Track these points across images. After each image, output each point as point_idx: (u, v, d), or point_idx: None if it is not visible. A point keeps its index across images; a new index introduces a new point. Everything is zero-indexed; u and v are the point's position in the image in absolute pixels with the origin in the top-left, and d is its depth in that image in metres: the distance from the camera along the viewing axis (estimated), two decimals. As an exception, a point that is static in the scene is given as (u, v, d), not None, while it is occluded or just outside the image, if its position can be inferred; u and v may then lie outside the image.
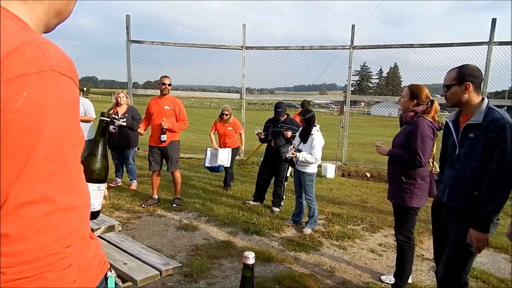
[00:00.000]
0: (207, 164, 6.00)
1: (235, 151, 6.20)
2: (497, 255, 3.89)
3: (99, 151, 1.02)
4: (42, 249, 0.60)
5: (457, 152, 2.20)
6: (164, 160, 5.03)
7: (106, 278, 0.89)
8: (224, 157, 5.96)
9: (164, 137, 4.78)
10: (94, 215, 1.01)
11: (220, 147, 6.11)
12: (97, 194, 1.01)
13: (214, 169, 6.07)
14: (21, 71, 0.59)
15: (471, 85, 2.13)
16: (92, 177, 0.99)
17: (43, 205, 0.60)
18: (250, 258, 0.99)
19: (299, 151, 4.36)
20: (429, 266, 3.56)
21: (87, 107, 5.45)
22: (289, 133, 5.01)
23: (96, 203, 1.01)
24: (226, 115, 6.03)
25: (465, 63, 2.23)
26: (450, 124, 2.29)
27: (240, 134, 6.36)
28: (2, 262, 0.57)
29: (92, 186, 0.96)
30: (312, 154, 4.27)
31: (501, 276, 3.40)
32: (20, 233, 0.58)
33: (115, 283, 0.93)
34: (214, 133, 6.24)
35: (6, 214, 0.58)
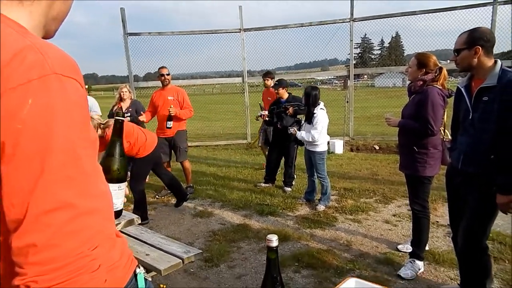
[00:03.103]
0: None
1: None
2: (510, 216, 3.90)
3: (117, 151, 1.02)
4: (71, 253, 0.60)
5: (470, 117, 2.18)
6: (172, 151, 5.06)
7: (135, 275, 0.90)
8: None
9: (170, 124, 4.80)
10: (117, 214, 1.03)
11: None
12: (118, 194, 1.02)
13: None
14: (23, 78, 0.58)
15: (481, 49, 2.08)
16: (113, 177, 0.99)
17: (65, 211, 0.60)
18: (274, 240, 1.01)
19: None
20: (445, 232, 3.59)
21: (91, 105, 5.46)
22: (291, 110, 4.98)
23: (118, 202, 1.02)
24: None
25: (476, 26, 2.17)
26: (462, 89, 2.25)
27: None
28: (34, 271, 0.58)
29: (113, 187, 0.97)
30: (310, 133, 4.26)
31: (518, 236, 3.42)
32: (47, 240, 0.58)
33: (145, 279, 0.94)
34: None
35: (29, 224, 0.58)
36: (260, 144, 6.35)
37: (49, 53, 0.63)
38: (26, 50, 0.60)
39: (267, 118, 5.37)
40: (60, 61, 0.64)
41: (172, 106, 4.74)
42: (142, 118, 4.96)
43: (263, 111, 5.57)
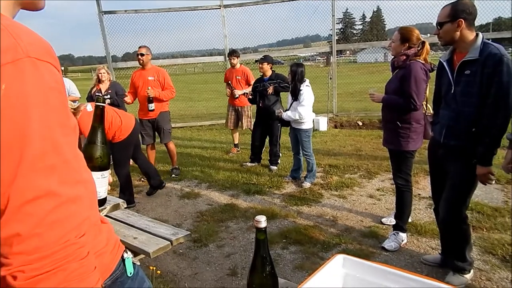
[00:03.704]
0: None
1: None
2: (489, 186, 4.05)
3: (99, 138, 0.99)
4: (57, 242, 0.60)
5: (452, 91, 2.20)
6: (156, 132, 4.98)
7: (123, 260, 0.90)
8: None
9: (152, 106, 4.70)
10: (101, 202, 1.01)
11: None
12: (101, 182, 0.99)
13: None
14: None
15: (463, 21, 2.08)
16: (95, 165, 0.97)
17: (47, 200, 0.59)
18: (262, 221, 1.00)
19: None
20: (426, 204, 3.71)
21: (69, 87, 5.28)
22: (270, 89, 4.95)
23: (102, 190, 1.00)
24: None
25: None
26: (444, 63, 2.26)
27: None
28: (19, 260, 0.57)
29: (96, 175, 0.95)
30: (296, 110, 4.25)
31: (494, 205, 3.57)
32: (31, 230, 0.57)
33: (133, 263, 0.94)
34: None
35: (12, 214, 0.57)
36: (231, 126, 6.16)
37: (22, 36, 0.59)
38: None
39: (250, 97, 5.32)
40: (34, 44, 0.61)
41: (149, 88, 4.62)
42: (127, 99, 4.83)
43: (246, 90, 5.52)
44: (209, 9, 8.35)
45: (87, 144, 1.00)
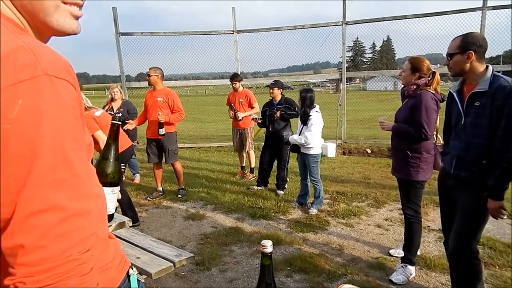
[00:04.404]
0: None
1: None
2: (501, 220, 3.94)
3: (112, 155, 1.01)
4: (60, 255, 0.60)
5: (462, 122, 2.20)
6: (162, 153, 5.01)
7: (128, 276, 0.90)
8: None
9: (162, 131, 4.75)
10: (109, 218, 1.01)
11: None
12: (111, 197, 1.00)
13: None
14: (14, 79, 0.58)
15: (473, 54, 2.10)
16: (106, 181, 0.98)
17: (53, 213, 0.60)
18: (268, 246, 0.99)
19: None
20: (436, 237, 3.61)
21: (84, 102, 5.43)
22: (277, 114, 4.98)
23: (111, 206, 1.01)
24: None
25: (466, 31, 2.20)
26: (454, 94, 2.27)
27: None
28: (22, 272, 0.58)
29: (106, 190, 0.96)
30: (303, 135, 4.26)
31: (507, 241, 3.46)
32: (35, 242, 0.58)
33: (138, 280, 0.93)
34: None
35: (17, 225, 0.58)
36: (235, 150, 6.25)
37: (42, 55, 0.62)
38: (19, 50, 0.60)
39: (259, 121, 5.37)
40: (53, 62, 0.63)
41: (160, 113, 4.70)
42: (129, 126, 4.91)
43: (254, 114, 5.59)
44: (223, 33, 8.58)
45: (100, 160, 1.02)
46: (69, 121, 0.64)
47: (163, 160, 5.04)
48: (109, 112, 5.44)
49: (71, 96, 0.65)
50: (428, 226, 3.86)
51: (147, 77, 4.84)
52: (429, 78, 2.70)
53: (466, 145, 2.18)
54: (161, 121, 4.69)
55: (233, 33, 8.35)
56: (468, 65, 2.14)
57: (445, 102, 2.51)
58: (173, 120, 4.81)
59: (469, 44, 2.11)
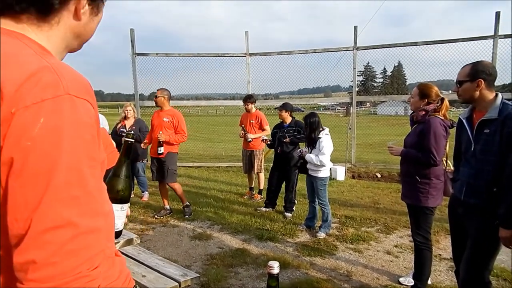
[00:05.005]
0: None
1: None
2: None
3: (123, 172, 1.02)
4: (70, 272, 0.60)
5: (472, 149, 2.19)
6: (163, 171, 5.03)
7: None
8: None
9: (161, 150, 4.80)
10: (117, 234, 1.01)
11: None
12: (120, 215, 1.01)
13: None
14: (37, 97, 0.60)
15: (483, 82, 2.12)
16: (116, 197, 0.98)
17: (66, 229, 0.60)
18: (275, 267, 0.99)
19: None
20: (448, 266, 3.51)
21: (101, 122, 5.59)
22: (288, 140, 5.02)
23: (119, 223, 1.01)
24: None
25: (477, 59, 2.23)
26: (464, 120, 2.27)
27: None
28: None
29: (116, 207, 0.96)
30: (318, 156, 4.26)
31: (523, 273, 3.34)
32: (47, 258, 0.58)
33: None
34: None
35: (31, 241, 0.58)
36: (244, 171, 6.31)
37: (64, 75, 0.65)
38: (43, 70, 0.62)
39: (269, 142, 5.40)
40: (75, 82, 0.66)
41: (161, 132, 4.79)
42: (143, 145, 5.21)
43: (265, 136, 5.64)
44: (235, 56, 8.79)
45: (112, 176, 1.02)
46: (86, 139, 0.65)
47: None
48: (121, 130, 5.55)
49: (89, 115, 0.67)
50: (440, 255, 3.76)
51: (155, 98, 4.96)
52: (437, 104, 2.72)
53: (475, 171, 2.16)
54: (161, 140, 4.76)
55: (245, 56, 8.54)
56: (477, 92, 2.16)
57: (455, 128, 2.51)
58: (173, 141, 4.86)
59: (479, 72, 2.13)
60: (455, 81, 2.32)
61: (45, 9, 0.70)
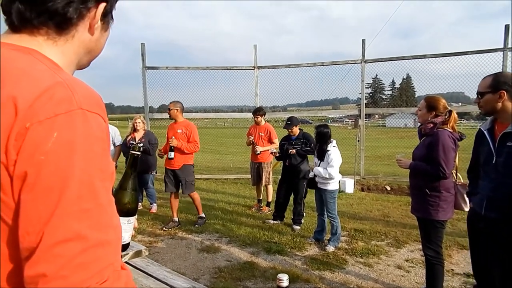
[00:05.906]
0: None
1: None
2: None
3: (130, 185, 1.03)
4: (80, 285, 0.60)
5: (494, 161, 2.14)
6: (180, 183, 5.08)
7: None
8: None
9: (171, 154, 4.88)
10: (124, 247, 1.01)
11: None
12: (127, 227, 1.01)
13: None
14: (51, 112, 0.61)
15: (505, 93, 2.08)
16: (123, 210, 0.99)
17: (77, 242, 0.61)
18: (284, 280, 0.99)
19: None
20: (461, 282, 3.42)
21: (114, 133, 5.73)
22: (293, 151, 5.02)
23: (126, 236, 1.01)
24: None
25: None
26: (485, 132, 2.23)
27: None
28: None
29: (123, 220, 0.96)
30: (326, 169, 4.25)
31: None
32: (57, 271, 0.59)
33: None
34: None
35: (41, 254, 0.59)
36: (252, 184, 6.35)
37: (77, 90, 0.66)
38: (56, 86, 0.64)
39: (277, 155, 5.41)
40: (87, 97, 0.68)
41: (173, 137, 4.87)
42: (160, 153, 5.25)
43: (273, 148, 5.65)
44: (244, 69, 8.89)
45: (118, 189, 1.03)
46: (97, 153, 0.66)
47: (180, 191, 5.10)
48: (131, 142, 5.63)
49: (101, 129, 0.69)
50: (452, 270, 3.68)
51: (168, 111, 5.05)
52: (445, 117, 2.70)
53: (496, 185, 2.11)
54: (173, 145, 4.83)
55: (253, 69, 8.63)
56: (499, 104, 2.12)
57: (464, 141, 2.48)
58: (185, 148, 4.92)
59: (501, 84, 2.10)
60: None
61: (63, 22, 0.73)
